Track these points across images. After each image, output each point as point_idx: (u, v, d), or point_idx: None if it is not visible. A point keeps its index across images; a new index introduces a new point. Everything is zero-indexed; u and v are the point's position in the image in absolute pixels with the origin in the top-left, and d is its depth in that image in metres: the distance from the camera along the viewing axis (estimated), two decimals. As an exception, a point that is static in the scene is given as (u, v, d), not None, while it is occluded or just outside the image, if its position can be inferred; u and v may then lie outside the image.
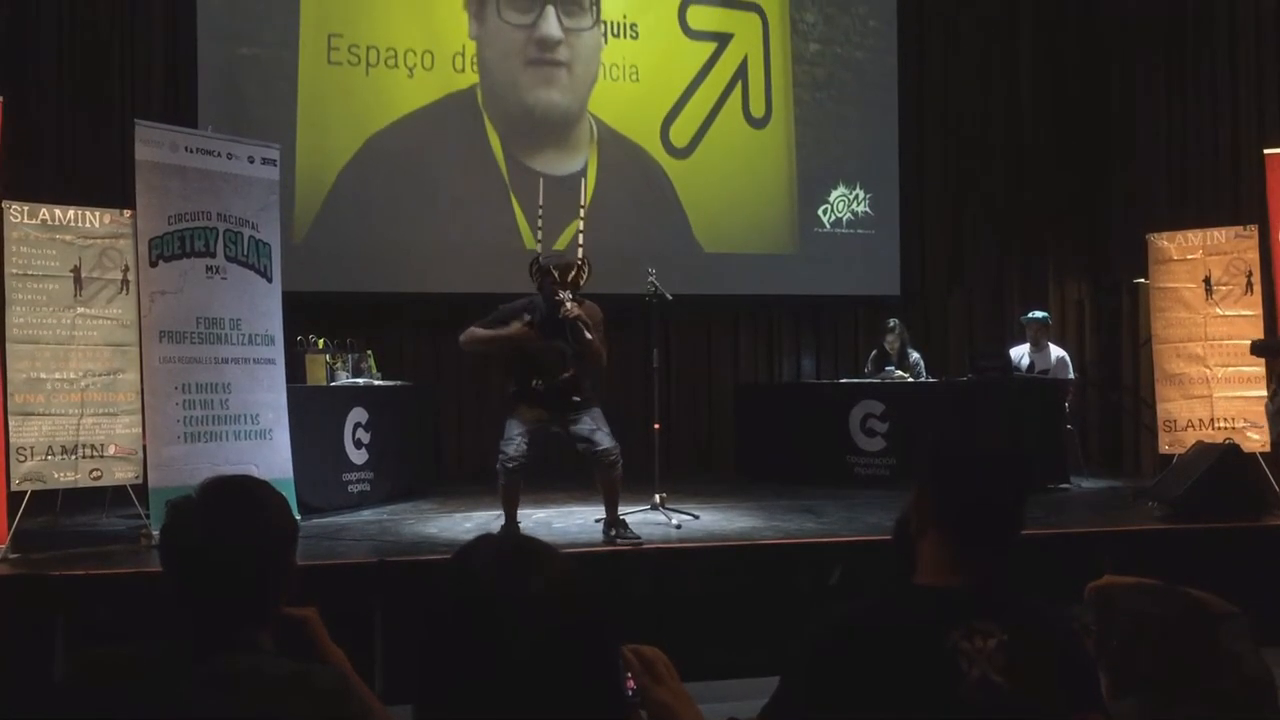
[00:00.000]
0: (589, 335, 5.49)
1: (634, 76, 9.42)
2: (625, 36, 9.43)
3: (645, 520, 6.27)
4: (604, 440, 5.61)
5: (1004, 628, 1.74)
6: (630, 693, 1.60)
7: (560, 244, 7.32)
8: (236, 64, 8.40)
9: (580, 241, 6.02)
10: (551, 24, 9.13)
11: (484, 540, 1.32)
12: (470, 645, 1.20)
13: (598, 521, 5.90)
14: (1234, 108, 8.81)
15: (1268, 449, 6.92)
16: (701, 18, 9.62)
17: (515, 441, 5.57)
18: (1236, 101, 8.79)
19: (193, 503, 1.76)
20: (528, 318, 5.60)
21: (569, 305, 5.46)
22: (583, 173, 8.91)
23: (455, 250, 8.71)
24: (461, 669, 1.20)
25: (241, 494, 1.80)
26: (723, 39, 9.69)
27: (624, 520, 5.74)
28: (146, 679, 1.65)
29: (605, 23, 9.32)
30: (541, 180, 6.37)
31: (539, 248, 6.11)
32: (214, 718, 1.61)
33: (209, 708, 1.61)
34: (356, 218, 8.61)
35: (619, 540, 5.58)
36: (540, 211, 6.19)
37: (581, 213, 6.16)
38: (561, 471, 7.16)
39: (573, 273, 5.62)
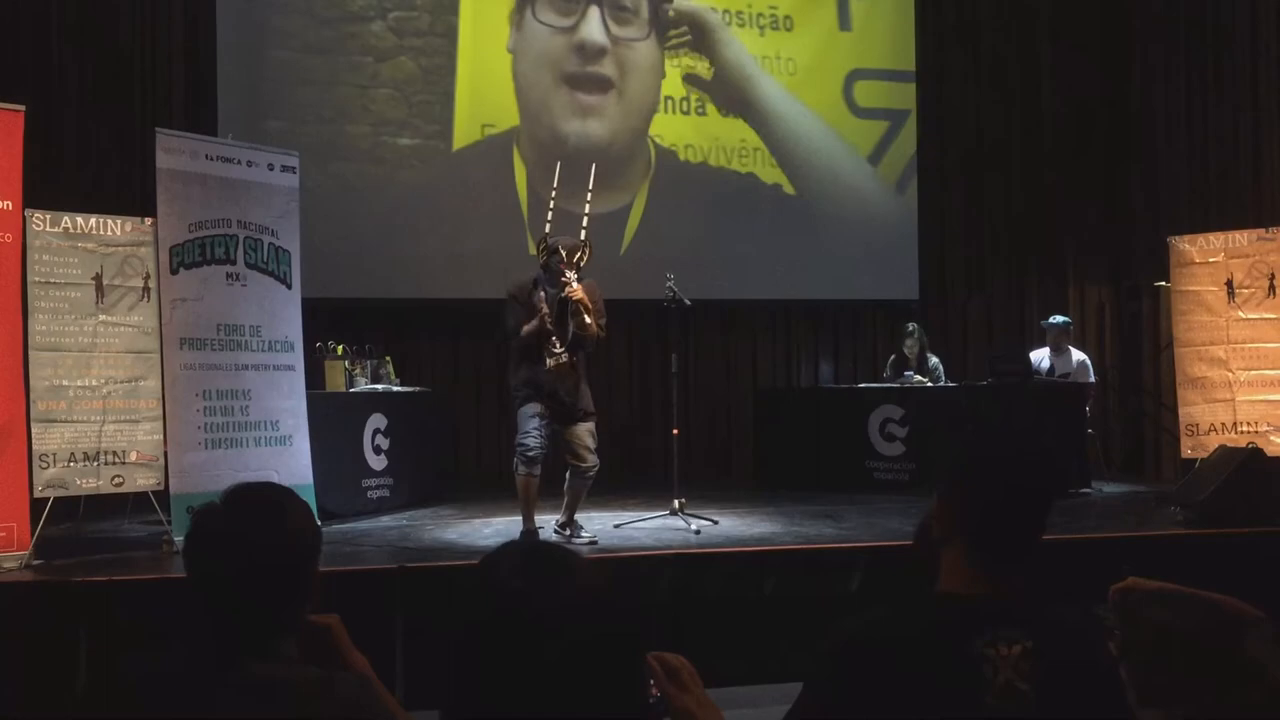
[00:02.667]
0: (587, 318, 5.77)
1: None
2: None
3: (664, 525, 6.28)
4: (590, 458, 5.90)
5: (1029, 635, 1.72)
6: (653, 700, 1.60)
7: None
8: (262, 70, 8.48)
9: (584, 225, 6.12)
10: (594, 27, 8.29)
11: (509, 547, 1.32)
12: (495, 652, 1.20)
13: (562, 526, 6.03)
14: (1255, 109, 8.75)
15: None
16: (870, 94, 9.31)
17: (533, 433, 5.78)
18: (1258, 103, 8.73)
19: (218, 510, 1.77)
20: (541, 295, 5.85)
21: (574, 285, 5.76)
22: (626, 209, 8.76)
23: (472, 258, 8.72)
24: (487, 676, 1.20)
25: (266, 502, 1.81)
26: (897, 116, 9.42)
27: (577, 521, 6.02)
28: (170, 687, 1.66)
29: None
30: (559, 165, 6.21)
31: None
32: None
33: (233, 716, 1.61)
34: (376, 227, 8.65)
35: (573, 540, 5.85)
36: (554, 193, 6.15)
37: (589, 197, 6.17)
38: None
39: (578, 254, 5.88)
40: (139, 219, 6.10)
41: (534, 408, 5.82)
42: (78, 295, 5.85)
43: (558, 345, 5.78)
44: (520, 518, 5.94)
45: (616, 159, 8.62)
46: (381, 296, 8.62)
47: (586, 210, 6.13)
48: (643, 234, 9.07)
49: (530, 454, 5.77)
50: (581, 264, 5.88)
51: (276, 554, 1.74)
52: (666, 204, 9.10)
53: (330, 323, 7.54)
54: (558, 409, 5.85)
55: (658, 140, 9.05)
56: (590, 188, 6.18)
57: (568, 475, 5.97)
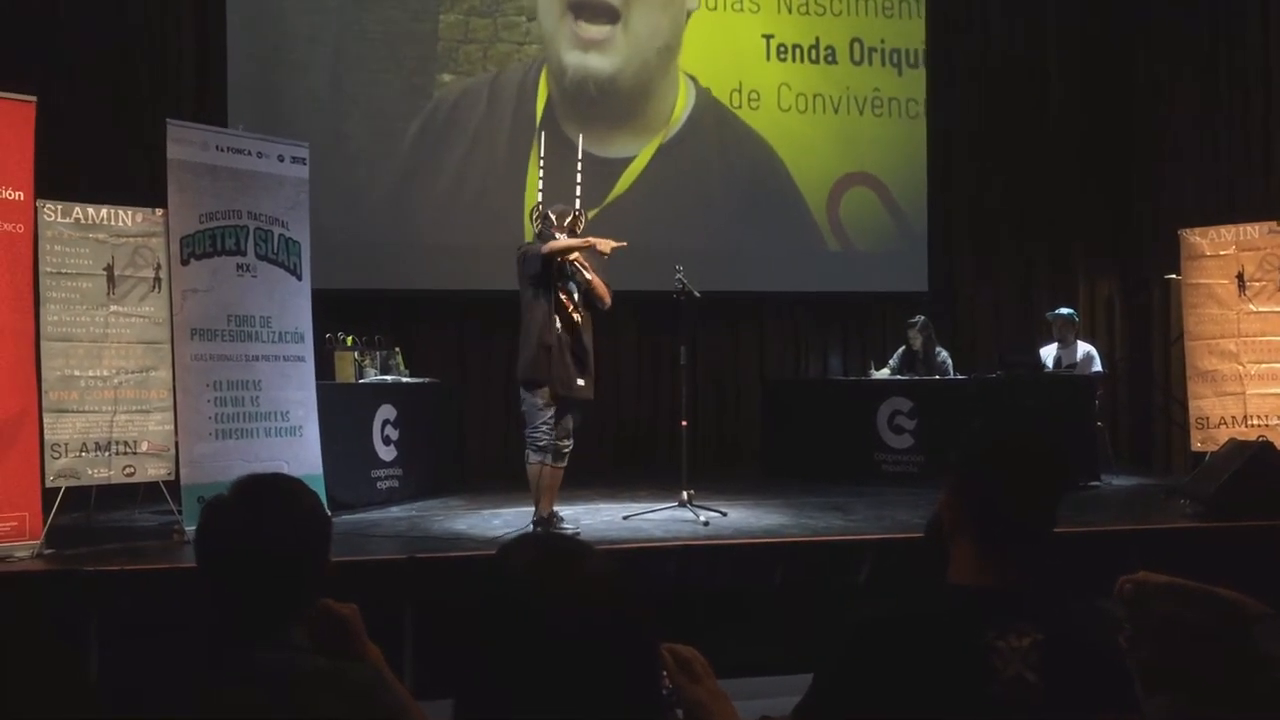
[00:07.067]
0: (589, 275, 5.74)
1: None
2: None
3: (673, 517, 6.28)
4: (570, 443, 5.89)
5: (1039, 627, 1.73)
6: (665, 691, 1.61)
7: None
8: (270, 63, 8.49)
9: (577, 194, 6.17)
10: None
11: (523, 539, 1.33)
12: (508, 644, 1.21)
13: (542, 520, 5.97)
14: (1266, 101, 8.70)
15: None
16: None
17: (543, 428, 5.74)
18: (1269, 94, 8.68)
19: (228, 499, 1.78)
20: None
21: None
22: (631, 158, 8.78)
23: (481, 249, 8.70)
24: (500, 667, 1.21)
25: (276, 490, 1.82)
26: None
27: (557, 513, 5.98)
28: (179, 676, 1.67)
29: None
30: (541, 134, 6.26)
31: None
32: (249, 714, 1.62)
33: (244, 704, 1.62)
34: (385, 215, 8.66)
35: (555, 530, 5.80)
36: (579, 185, 6.16)
37: (579, 166, 6.22)
38: (589, 468, 7.19)
39: (569, 218, 5.85)
40: (150, 210, 6.12)
41: (543, 397, 5.72)
42: (89, 286, 5.88)
43: (570, 305, 5.71)
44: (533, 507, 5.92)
45: (624, 99, 8.60)
46: (391, 287, 8.62)
47: (578, 180, 6.16)
48: (651, 223, 9.05)
49: (541, 444, 5.74)
50: (577, 231, 5.84)
51: (287, 542, 1.75)
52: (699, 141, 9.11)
53: (340, 314, 7.54)
54: (569, 377, 5.71)
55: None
56: (580, 157, 6.22)
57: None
